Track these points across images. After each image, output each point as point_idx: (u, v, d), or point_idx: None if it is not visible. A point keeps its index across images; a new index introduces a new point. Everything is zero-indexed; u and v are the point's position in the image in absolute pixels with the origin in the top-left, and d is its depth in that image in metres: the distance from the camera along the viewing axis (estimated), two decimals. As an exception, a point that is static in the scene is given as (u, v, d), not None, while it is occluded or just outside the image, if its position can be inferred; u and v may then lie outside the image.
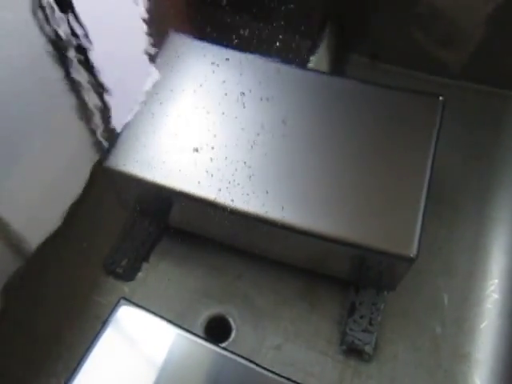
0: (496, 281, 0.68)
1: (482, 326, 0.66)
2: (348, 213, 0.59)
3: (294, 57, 0.73)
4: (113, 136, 0.69)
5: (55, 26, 0.71)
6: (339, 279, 0.68)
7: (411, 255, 0.57)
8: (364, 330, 0.64)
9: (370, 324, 0.64)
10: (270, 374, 0.53)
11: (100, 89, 0.75)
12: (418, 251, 0.57)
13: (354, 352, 0.64)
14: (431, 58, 0.82)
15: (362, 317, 0.65)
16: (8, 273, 0.66)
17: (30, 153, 0.70)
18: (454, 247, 0.71)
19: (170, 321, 0.56)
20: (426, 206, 0.59)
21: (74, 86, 0.73)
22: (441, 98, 0.65)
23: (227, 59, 0.68)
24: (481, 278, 0.69)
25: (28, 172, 0.70)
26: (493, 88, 0.82)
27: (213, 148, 0.63)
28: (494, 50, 0.78)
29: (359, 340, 0.63)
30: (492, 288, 0.68)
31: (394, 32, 0.82)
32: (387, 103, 0.66)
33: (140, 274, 0.71)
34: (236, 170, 0.61)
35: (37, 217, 0.70)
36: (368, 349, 0.63)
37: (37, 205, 0.70)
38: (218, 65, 0.68)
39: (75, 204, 0.73)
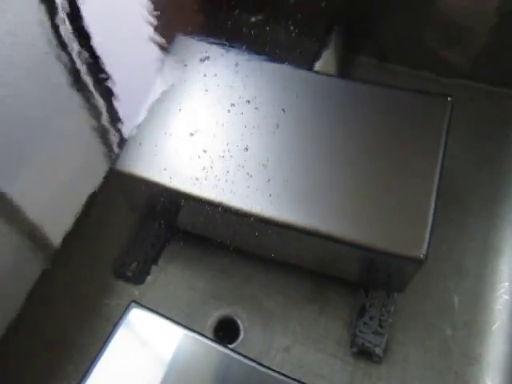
0: (506, 283, 0.68)
1: (493, 327, 0.65)
2: (357, 214, 0.59)
3: (301, 59, 0.73)
4: (122, 138, 0.69)
5: (63, 31, 0.71)
6: (348, 281, 0.68)
7: (420, 257, 0.56)
8: (374, 332, 0.64)
9: (380, 326, 0.64)
10: (280, 376, 0.53)
11: (108, 92, 0.75)
12: (428, 253, 0.56)
13: (363, 354, 0.64)
14: (440, 58, 0.81)
15: (371, 318, 0.64)
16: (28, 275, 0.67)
17: (39, 156, 0.71)
18: (464, 249, 0.71)
19: (179, 323, 0.56)
20: (435, 208, 0.58)
21: (83, 90, 0.74)
22: (449, 98, 0.65)
23: (234, 62, 0.68)
24: (491, 280, 0.68)
25: (38, 175, 0.70)
26: (503, 88, 0.82)
27: (221, 150, 0.63)
28: (503, 49, 0.77)
29: (369, 342, 0.63)
30: (503, 290, 0.67)
31: (401, 33, 0.81)
32: (395, 104, 0.66)
33: (149, 277, 0.71)
34: (245, 172, 0.61)
35: (49, 218, 0.71)
36: (378, 351, 0.63)
37: (48, 207, 0.70)
38: (225, 67, 0.68)
39: (85, 207, 0.73)
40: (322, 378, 0.63)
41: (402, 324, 0.66)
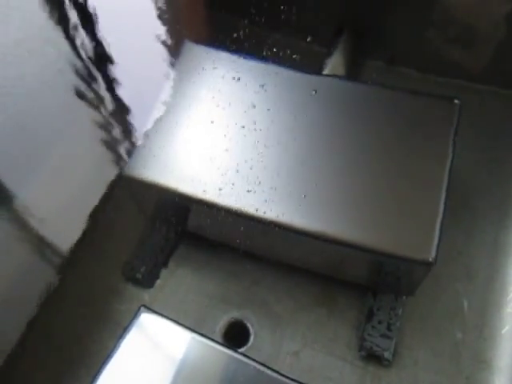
0: (517, 286, 0.67)
1: (504, 331, 0.65)
2: (365, 218, 0.59)
3: (310, 63, 0.73)
4: (132, 144, 0.70)
5: (76, 40, 0.72)
6: (357, 285, 0.68)
7: (429, 260, 0.56)
8: (382, 336, 0.63)
9: (389, 329, 0.64)
10: (289, 381, 0.53)
11: (118, 99, 0.76)
12: (437, 256, 0.56)
13: (373, 357, 0.64)
14: (448, 61, 0.81)
15: (380, 322, 0.64)
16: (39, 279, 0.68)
17: (51, 162, 0.71)
18: (474, 252, 0.70)
19: (188, 327, 0.56)
20: (444, 211, 0.58)
21: (94, 97, 0.75)
22: (456, 101, 0.65)
23: (243, 67, 0.69)
24: (501, 283, 0.68)
25: (49, 180, 0.71)
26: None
27: (229, 155, 0.63)
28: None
29: (378, 346, 0.63)
30: (513, 293, 0.67)
31: (410, 35, 0.81)
32: (403, 107, 0.66)
33: (159, 281, 0.72)
34: (254, 177, 0.62)
35: (60, 223, 0.72)
36: (387, 355, 0.62)
37: (59, 211, 0.71)
38: (233, 73, 0.68)
39: (95, 211, 0.74)
40: (331, 382, 0.63)
41: (411, 328, 0.66)
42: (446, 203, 0.59)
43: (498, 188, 0.75)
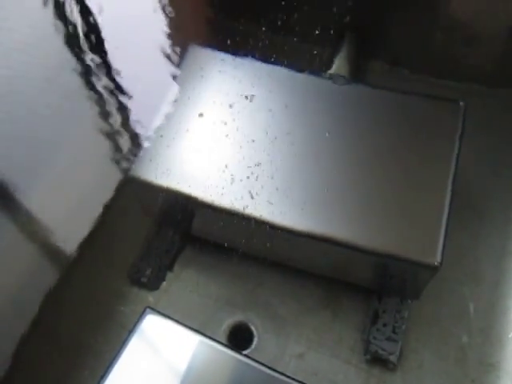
0: (523, 289, 0.67)
1: (510, 335, 0.64)
2: (371, 220, 0.59)
3: (314, 65, 0.73)
4: (136, 147, 0.70)
5: (80, 43, 0.73)
6: (362, 287, 0.68)
7: (435, 263, 0.56)
8: (388, 339, 0.63)
9: (394, 332, 0.63)
10: (294, 382, 0.53)
11: (124, 102, 0.76)
12: (442, 259, 0.56)
13: (378, 360, 0.64)
14: (453, 63, 0.81)
15: (385, 325, 0.64)
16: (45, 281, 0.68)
17: (56, 165, 0.72)
18: (480, 255, 0.70)
19: (193, 329, 0.56)
20: (449, 214, 0.58)
21: (98, 100, 0.75)
22: (461, 103, 0.64)
23: (247, 70, 0.69)
24: (507, 286, 0.67)
25: (55, 183, 0.72)
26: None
27: (234, 158, 0.63)
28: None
29: (383, 350, 0.63)
30: (519, 296, 0.67)
31: (414, 38, 0.81)
32: (408, 109, 0.66)
33: (164, 283, 0.72)
34: (258, 179, 0.62)
35: (65, 226, 0.72)
36: (393, 358, 0.62)
37: (65, 215, 0.71)
38: (238, 76, 0.69)
39: (100, 214, 0.74)
40: (335, 385, 0.63)
41: (417, 331, 0.65)
42: (451, 205, 0.59)
43: (503, 190, 0.74)
